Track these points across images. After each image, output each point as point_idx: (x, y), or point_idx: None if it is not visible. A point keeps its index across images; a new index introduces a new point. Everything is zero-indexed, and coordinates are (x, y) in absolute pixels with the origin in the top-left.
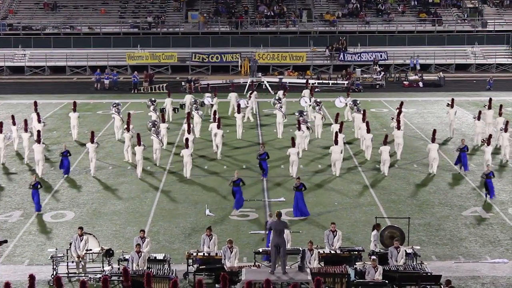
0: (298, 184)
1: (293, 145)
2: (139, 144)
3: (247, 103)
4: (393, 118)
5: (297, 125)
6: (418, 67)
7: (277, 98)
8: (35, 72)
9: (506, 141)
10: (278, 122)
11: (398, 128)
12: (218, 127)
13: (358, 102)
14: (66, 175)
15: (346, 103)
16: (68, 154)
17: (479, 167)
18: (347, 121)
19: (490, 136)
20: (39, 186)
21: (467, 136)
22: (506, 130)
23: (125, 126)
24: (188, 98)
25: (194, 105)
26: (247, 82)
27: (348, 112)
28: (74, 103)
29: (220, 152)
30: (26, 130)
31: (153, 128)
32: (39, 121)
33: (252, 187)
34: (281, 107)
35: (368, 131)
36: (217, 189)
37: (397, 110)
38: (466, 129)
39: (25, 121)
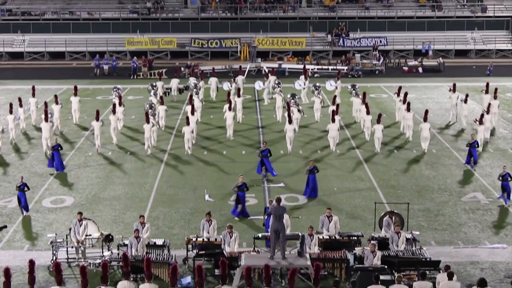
0: (311, 167)
1: (290, 122)
2: (147, 122)
3: (231, 86)
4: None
5: (286, 108)
6: (430, 52)
7: (276, 82)
8: (34, 58)
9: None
10: (278, 106)
11: (408, 110)
12: (229, 109)
13: (357, 86)
14: (58, 171)
15: (336, 86)
16: (60, 148)
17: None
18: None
19: (482, 115)
20: (25, 188)
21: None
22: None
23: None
24: (191, 80)
25: (194, 89)
26: (246, 68)
27: (338, 96)
28: (75, 87)
29: (230, 135)
30: (11, 112)
31: (150, 110)
32: (56, 103)
33: (251, 173)
34: (281, 91)
35: (368, 112)
36: (217, 175)
37: (396, 95)
38: (471, 115)
39: (10, 104)
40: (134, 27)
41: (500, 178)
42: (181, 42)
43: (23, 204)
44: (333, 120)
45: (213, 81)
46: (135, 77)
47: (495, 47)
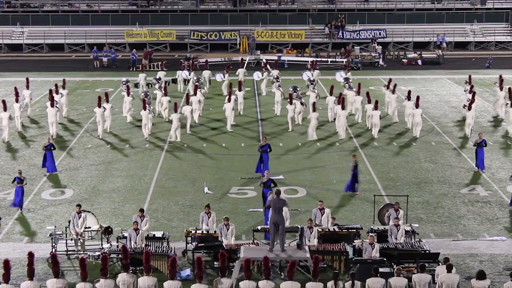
0: (355, 163)
1: (314, 110)
2: (144, 109)
3: (224, 77)
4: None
5: (288, 100)
6: (444, 44)
7: (275, 76)
8: (33, 50)
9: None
10: (276, 101)
11: (417, 106)
12: (229, 100)
13: (350, 80)
14: (50, 173)
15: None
16: (52, 148)
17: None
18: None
19: (471, 102)
20: (25, 183)
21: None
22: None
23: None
24: (179, 73)
25: (197, 83)
26: (245, 60)
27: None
28: (63, 80)
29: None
30: (5, 110)
31: (145, 99)
32: (57, 92)
33: (251, 166)
34: (280, 85)
35: (369, 101)
36: (216, 167)
37: (385, 87)
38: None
39: (16, 93)
40: (133, 19)
41: (476, 144)
42: (180, 34)
43: (19, 200)
44: (343, 108)
45: (206, 74)
46: (134, 69)
47: (495, 39)
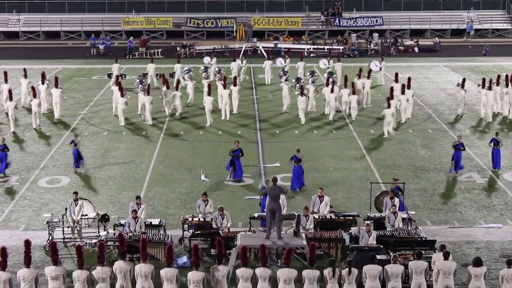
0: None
1: (302, 94)
2: (148, 94)
3: (242, 64)
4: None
5: (299, 92)
6: (472, 32)
7: (284, 70)
8: (30, 37)
9: None
10: (284, 96)
11: (408, 87)
12: (224, 87)
13: (334, 75)
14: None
15: (380, 67)
16: (5, 149)
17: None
18: (380, 85)
19: (464, 80)
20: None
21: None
22: None
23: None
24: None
25: (204, 73)
26: (242, 48)
27: (382, 76)
28: (43, 74)
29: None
30: (11, 99)
31: (140, 85)
32: (56, 86)
33: (247, 154)
34: (287, 79)
35: (389, 106)
36: (212, 155)
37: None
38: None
39: (32, 87)
40: (129, 6)
41: (454, 147)
42: (176, 22)
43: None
44: (354, 92)
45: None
46: (131, 57)
47: (491, 26)
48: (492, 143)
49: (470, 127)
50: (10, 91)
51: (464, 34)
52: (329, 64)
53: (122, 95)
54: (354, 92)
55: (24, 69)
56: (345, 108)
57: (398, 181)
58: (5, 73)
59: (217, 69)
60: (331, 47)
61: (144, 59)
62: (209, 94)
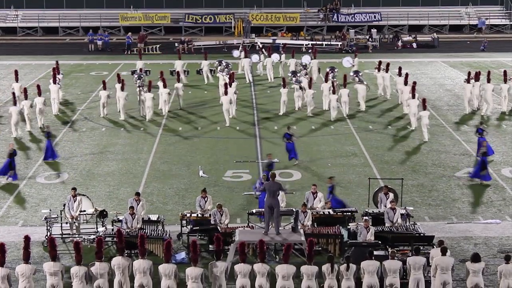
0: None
1: (310, 86)
2: (149, 91)
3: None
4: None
5: (299, 86)
6: (484, 28)
7: (303, 65)
8: (28, 33)
9: None
10: (296, 96)
11: (406, 83)
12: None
13: (360, 73)
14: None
15: (353, 64)
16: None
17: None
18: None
19: (469, 73)
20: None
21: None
22: None
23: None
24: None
25: (219, 67)
26: (240, 43)
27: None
28: (54, 72)
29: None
30: (26, 98)
31: (138, 81)
32: (54, 82)
33: (246, 149)
34: (297, 80)
35: (413, 96)
36: (211, 151)
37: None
38: (460, 90)
39: (38, 85)
40: (127, 2)
41: (482, 154)
42: (175, 18)
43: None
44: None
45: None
46: (129, 52)
47: (489, 22)
48: (478, 132)
49: (469, 122)
50: (25, 90)
51: (475, 30)
52: (353, 62)
53: (122, 89)
54: (334, 92)
55: (16, 71)
56: (344, 107)
57: (333, 179)
58: (16, 72)
59: (224, 63)
60: (315, 42)
61: (143, 54)
62: (225, 93)
